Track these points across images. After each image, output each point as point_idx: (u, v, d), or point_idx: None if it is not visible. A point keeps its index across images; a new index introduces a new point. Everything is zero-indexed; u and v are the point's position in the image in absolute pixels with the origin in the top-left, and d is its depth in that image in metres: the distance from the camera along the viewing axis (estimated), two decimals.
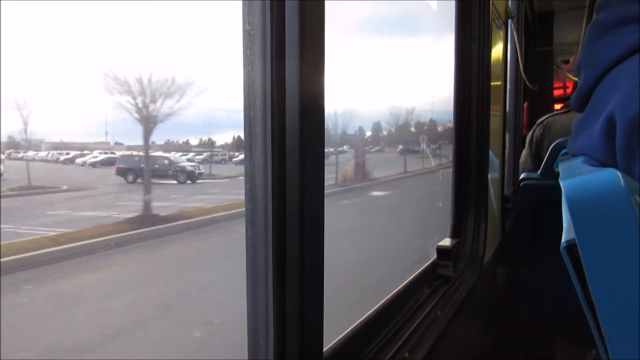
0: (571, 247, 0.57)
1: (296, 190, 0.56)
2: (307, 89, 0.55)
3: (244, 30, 0.53)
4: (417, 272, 1.23)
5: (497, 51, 1.85)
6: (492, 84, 1.67)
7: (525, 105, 3.35)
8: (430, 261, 1.34)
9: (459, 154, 1.57)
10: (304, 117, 0.55)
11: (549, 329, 2.14)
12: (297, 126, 0.55)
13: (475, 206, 1.59)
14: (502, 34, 1.96)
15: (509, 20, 2.11)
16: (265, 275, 0.57)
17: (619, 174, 0.52)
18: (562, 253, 0.57)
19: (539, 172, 2.23)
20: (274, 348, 0.55)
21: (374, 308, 0.94)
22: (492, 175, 1.85)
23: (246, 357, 0.58)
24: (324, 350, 0.67)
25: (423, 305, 1.13)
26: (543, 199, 2.14)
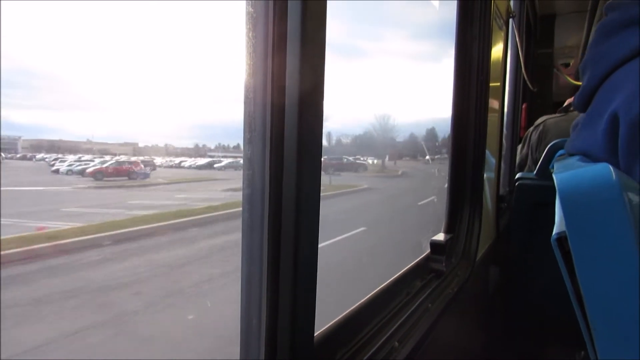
0: (562, 239, 0.57)
1: (292, 181, 0.56)
2: (308, 75, 0.55)
3: (247, 13, 0.53)
4: (410, 265, 1.24)
5: (497, 51, 1.85)
6: (491, 84, 1.68)
7: (523, 106, 3.35)
8: (424, 255, 1.35)
9: (455, 152, 1.57)
10: (302, 106, 0.55)
11: (538, 329, 2.16)
12: (296, 115, 0.55)
13: (470, 203, 1.60)
14: (502, 33, 1.96)
15: (510, 20, 2.11)
16: (260, 264, 0.58)
17: (611, 168, 0.53)
18: (553, 245, 0.58)
19: (535, 172, 2.24)
20: (266, 328, 0.56)
21: (366, 298, 0.94)
22: (488, 174, 1.86)
23: (239, 334, 0.59)
24: (315, 334, 0.67)
25: (415, 298, 1.14)
26: (538, 199, 2.15)
